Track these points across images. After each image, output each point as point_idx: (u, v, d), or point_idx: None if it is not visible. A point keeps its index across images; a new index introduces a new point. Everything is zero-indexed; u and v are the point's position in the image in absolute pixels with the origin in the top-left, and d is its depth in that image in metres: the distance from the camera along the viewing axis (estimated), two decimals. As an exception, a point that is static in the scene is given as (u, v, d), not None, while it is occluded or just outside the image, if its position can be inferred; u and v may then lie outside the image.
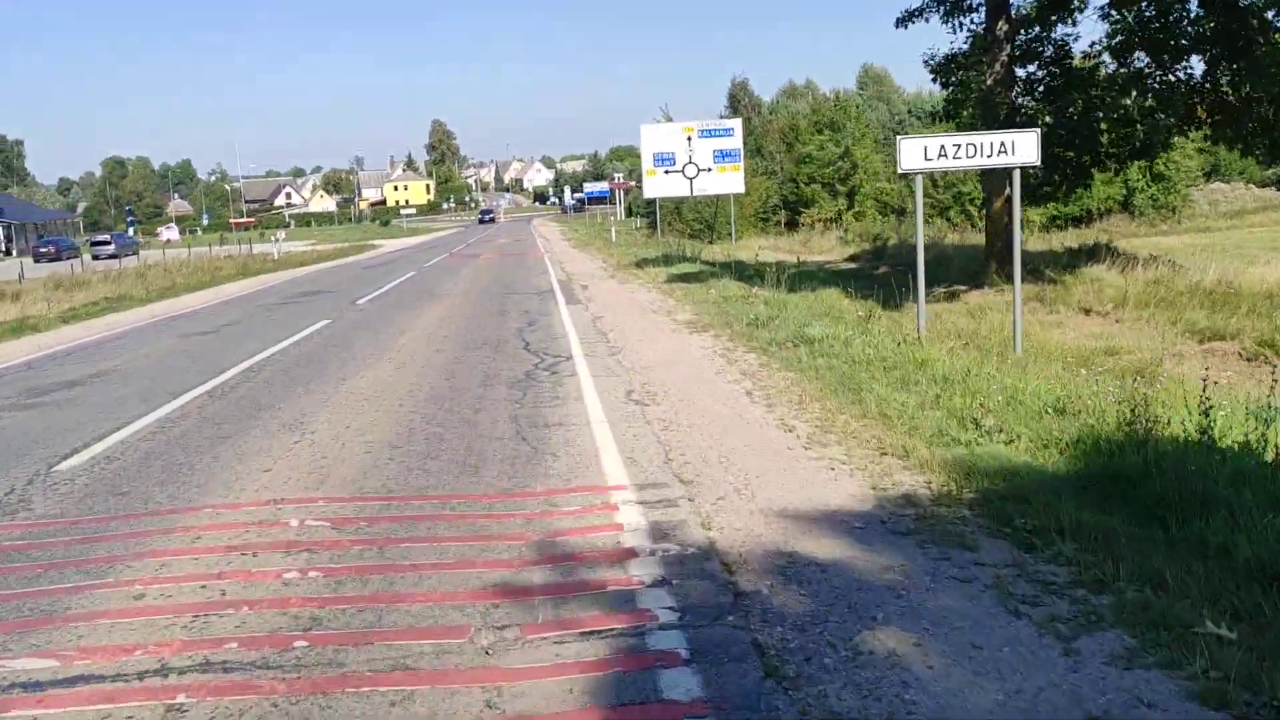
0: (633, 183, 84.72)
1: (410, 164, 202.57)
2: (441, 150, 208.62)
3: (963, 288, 22.32)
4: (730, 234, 46.91)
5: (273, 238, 61.89)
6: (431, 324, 18.89)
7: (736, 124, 41.32)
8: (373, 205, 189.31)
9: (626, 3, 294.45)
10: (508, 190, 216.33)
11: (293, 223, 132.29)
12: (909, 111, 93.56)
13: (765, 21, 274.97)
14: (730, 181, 40.48)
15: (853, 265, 33.81)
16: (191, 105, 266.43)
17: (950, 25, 23.59)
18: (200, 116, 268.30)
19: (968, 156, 12.28)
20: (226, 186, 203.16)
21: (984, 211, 27.33)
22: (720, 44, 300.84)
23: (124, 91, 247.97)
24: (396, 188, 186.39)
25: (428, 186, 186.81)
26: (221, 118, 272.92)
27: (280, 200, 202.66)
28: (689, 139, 40.22)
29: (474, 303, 22.85)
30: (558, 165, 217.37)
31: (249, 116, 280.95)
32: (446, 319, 19.60)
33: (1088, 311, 18.84)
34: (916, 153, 12.53)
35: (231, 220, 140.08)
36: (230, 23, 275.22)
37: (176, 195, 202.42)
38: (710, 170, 40.04)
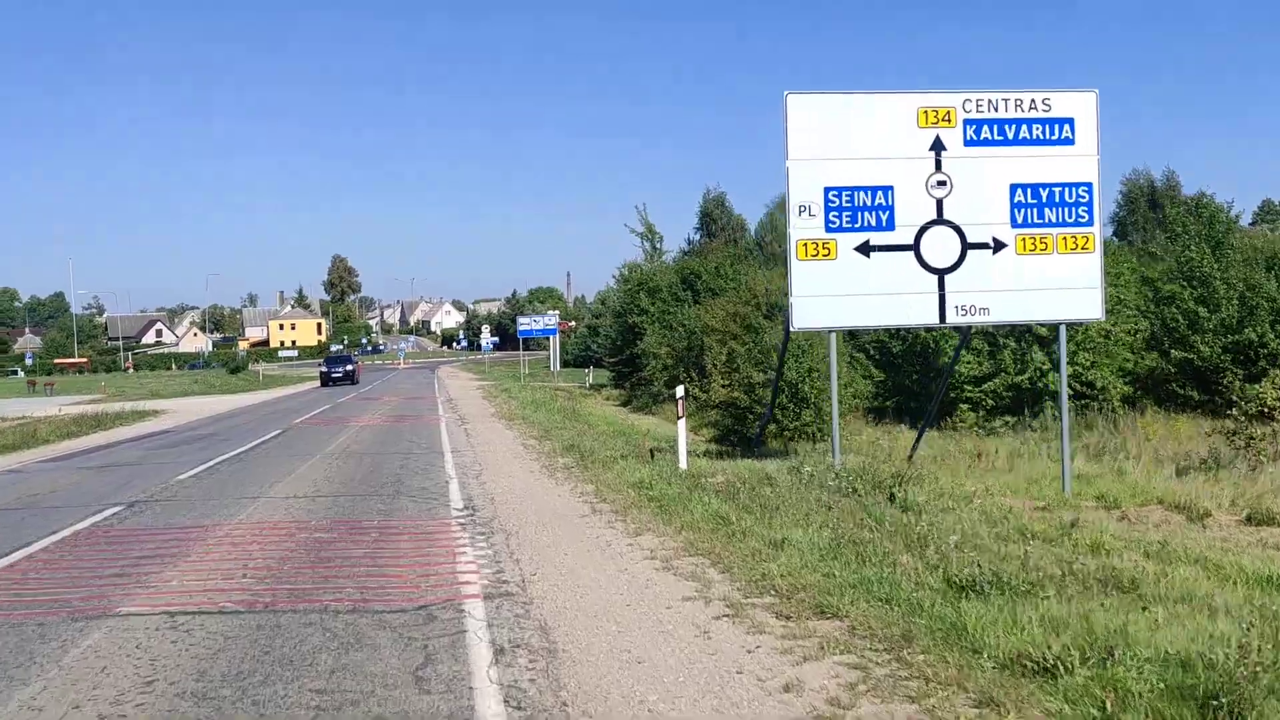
0: (571, 322, 56.00)
1: (301, 300, 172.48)
2: (342, 288, 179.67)
3: None
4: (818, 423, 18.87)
5: None
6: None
7: (1076, 101, 13.00)
8: (254, 346, 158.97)
9: (540, 144, 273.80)
10: (413, 333, 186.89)
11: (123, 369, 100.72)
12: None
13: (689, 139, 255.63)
14: (1072, 284, 12.35)
15: None
16: (72, 235, 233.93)
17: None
18: (82, 248, 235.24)
19: None
20: (100, 321, 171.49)
21: None
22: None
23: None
24: (283, 326, 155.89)
25: (319, 326, 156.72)
26: (108, 251, 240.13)
27: (150, 338, 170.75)
28: (937, 140, 12.27)
29: None
30: (470, 307, 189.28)
31: (138, 253, 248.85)
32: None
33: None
34: None
35: (57, 360, 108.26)
36: (123, 147, 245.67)
37: (28, 330, 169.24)
38: (1007, 246, 12.10)
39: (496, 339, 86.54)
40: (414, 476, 13.91)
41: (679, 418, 13.29)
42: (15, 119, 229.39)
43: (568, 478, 13.57)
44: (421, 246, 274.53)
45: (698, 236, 76.94)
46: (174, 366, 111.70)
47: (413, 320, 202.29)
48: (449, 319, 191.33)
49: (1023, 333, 29.63)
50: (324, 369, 54.89)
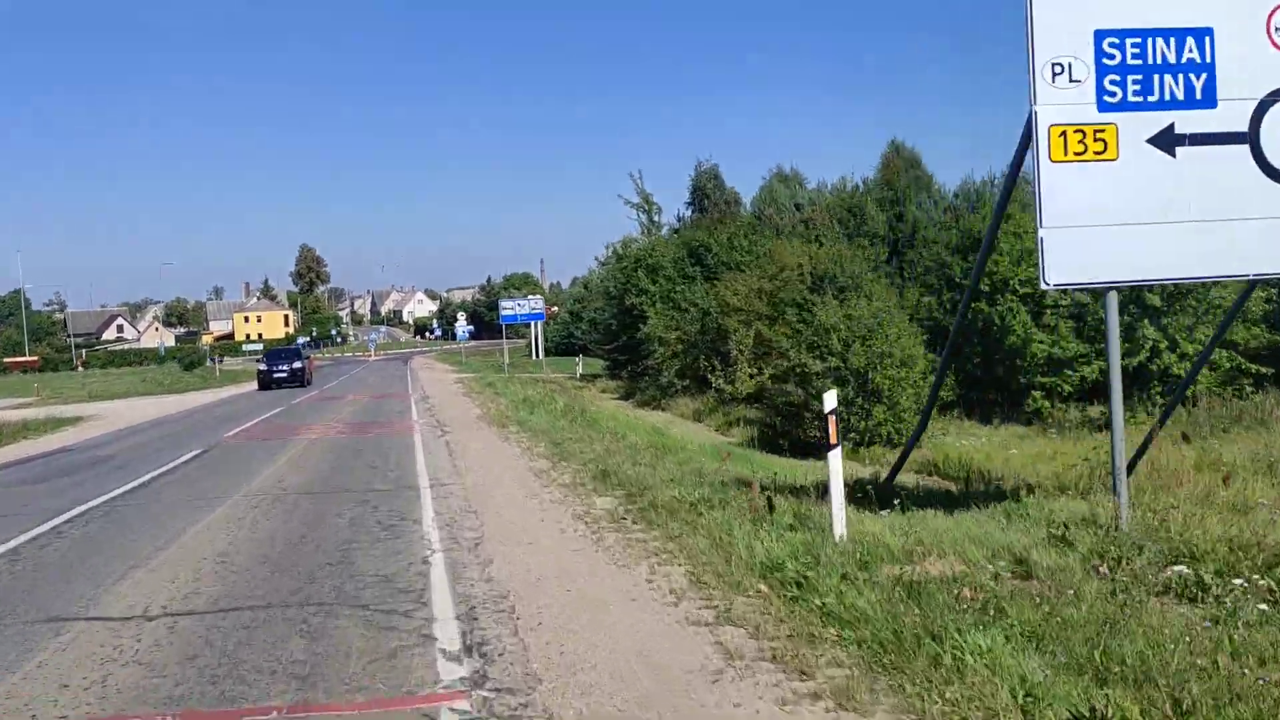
0: (554, 308, 50.14)
1: (267, 291, 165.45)
2: (310, 278, 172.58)
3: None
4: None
5: None
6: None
7: None
8: (218, 339, 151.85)
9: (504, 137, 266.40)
10: (384, 323, 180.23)
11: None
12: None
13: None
14: None
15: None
16: (21, 227, 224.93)
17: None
18: (34, 240, 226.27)
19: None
20: (61, 318, 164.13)
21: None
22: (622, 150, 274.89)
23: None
24: (248, 318, 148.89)
25: (286, 318, 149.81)
26: (63, 243, 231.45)
27: (110, 334, 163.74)
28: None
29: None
30: (443, 295, 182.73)
31: (98, 245, 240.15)
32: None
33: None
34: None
35: (6, 360, 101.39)
36: (78, 134, 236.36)
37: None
38: None
39: (472, 328, 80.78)
40: (370, 550, 8.28)
41: (828, 445, 7.45)
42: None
43: (627, 546, 8.00)
44: (391, 236, 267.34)
45: (689, 213, 71.43)
46: (134, 363, 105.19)
47: (384, 310, 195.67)
48: (421, 308, 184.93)
49: (1124, 303, 24.23)
50: (262, 368, 41.89)
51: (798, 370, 20.87)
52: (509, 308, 42.70)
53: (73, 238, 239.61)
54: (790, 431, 21.16)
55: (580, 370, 48.01)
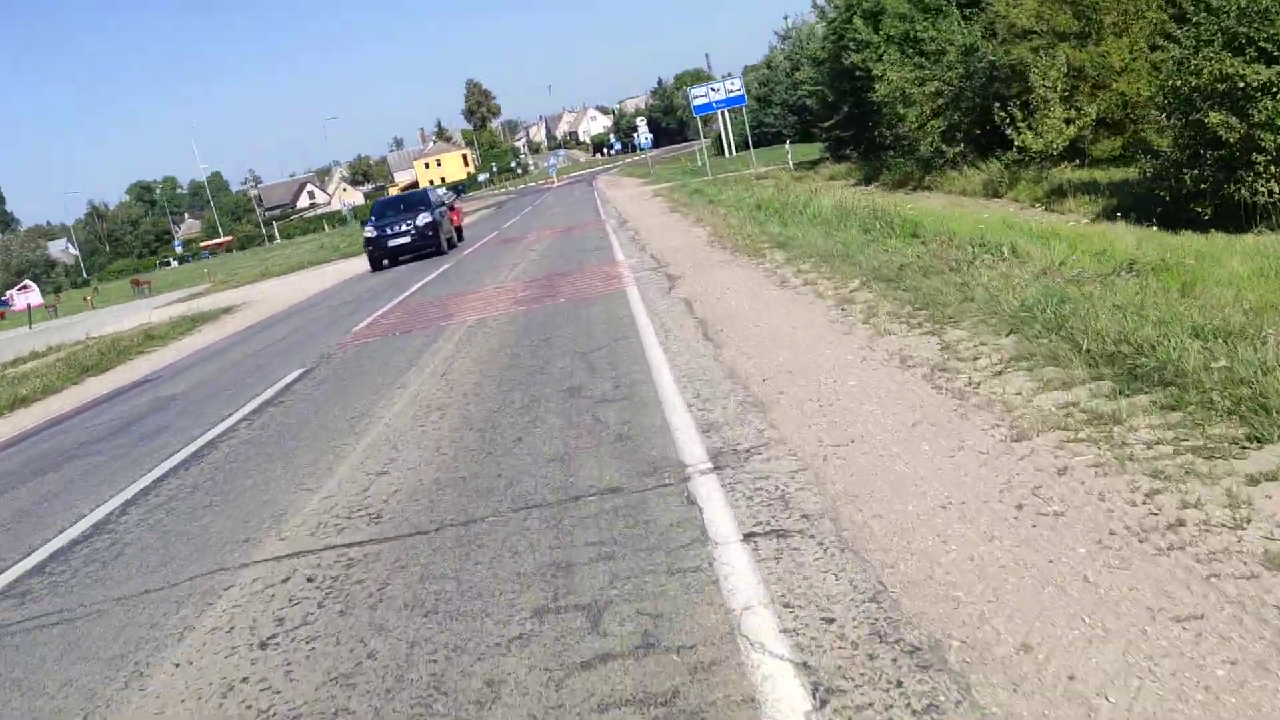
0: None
1: (442, 134, 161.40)
2: (481, 114, 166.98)
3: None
4: None
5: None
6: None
7: None
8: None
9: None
10: (561, 147, 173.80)
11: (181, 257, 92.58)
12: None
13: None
14: None
15: None
16: (215, 117, 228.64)
17: None
18: (227, 127, 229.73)
19: None
20: (254, 194, 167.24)
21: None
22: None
23: (144, 114, 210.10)
24: (428, 164, 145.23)
25: (464, 157, 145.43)
26: (251, 124, 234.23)
27: (303, 201, 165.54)
28: None
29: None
30: (615, 108, 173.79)
31: (277, 119, 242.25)
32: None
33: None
34: None
35: (204, 245, 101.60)
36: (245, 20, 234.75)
37: (187, 215, 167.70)
38: None
39: (652, 135, 73.14)
40: None
41: None
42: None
43: None
44: (553, 58, 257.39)
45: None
46: (322, 228, 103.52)
47: (559, 133, 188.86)
48: (596, 125, 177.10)
49: None
50: (370, 233, 25.19)
51: (1217, 89, 12.49)
52: (700, 95, 34.26)
53: (259, 119, 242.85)
54: (1210, 192, 13.00)
55: (791, 158, 39.80)
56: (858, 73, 31.30)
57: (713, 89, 34.47)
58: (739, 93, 34.25)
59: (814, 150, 43.32)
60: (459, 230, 30.06)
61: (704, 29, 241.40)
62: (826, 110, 36.17)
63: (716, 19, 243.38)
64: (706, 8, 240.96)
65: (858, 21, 31.21)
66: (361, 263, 27.54)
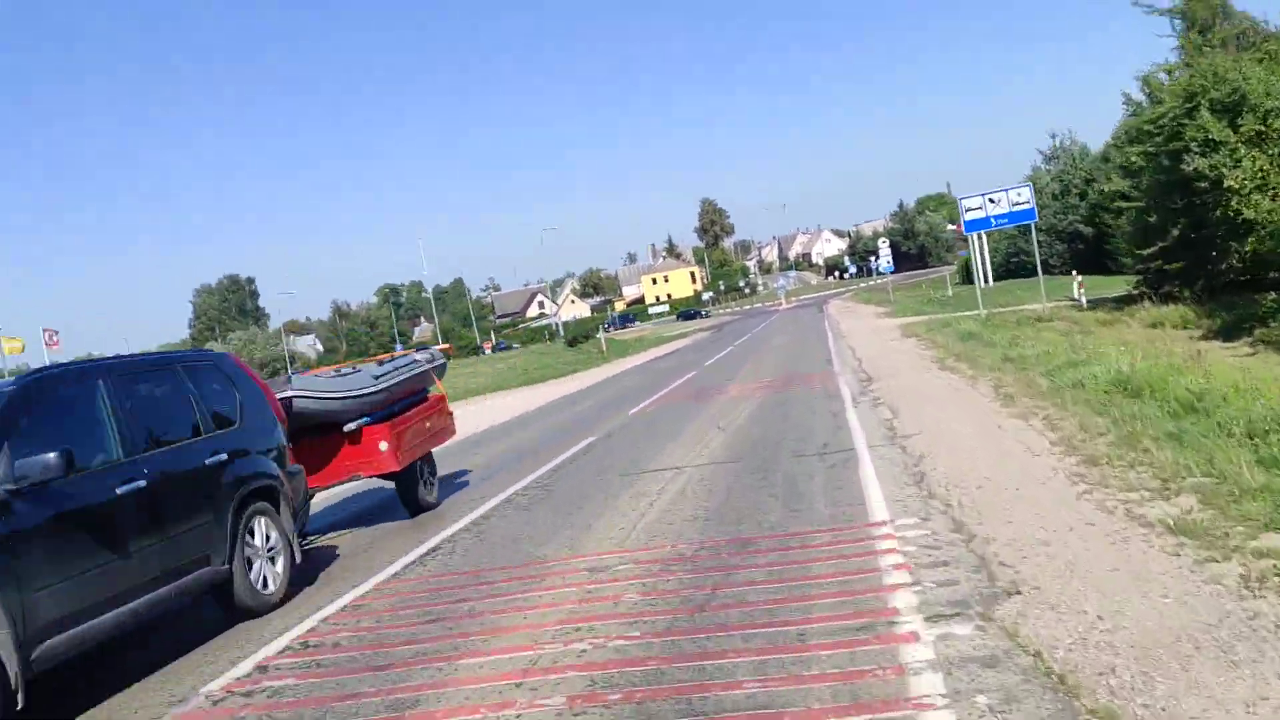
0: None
1: (672, 250, 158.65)
2: (714, 232, 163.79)
3: None
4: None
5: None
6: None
7: None
8: (630, 304, 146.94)
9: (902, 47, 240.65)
10: (793, 268, 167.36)
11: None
12: None
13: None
14: None
15: None
16: (462, 223, 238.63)
17: None
18: (471, 234, 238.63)
19: None
20: (489, 300, 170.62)
21: None
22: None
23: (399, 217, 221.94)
24: (655, 279, 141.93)
25: (692, 274, 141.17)
26: (493, 233, 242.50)
27: (533, 310, 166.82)
28: None
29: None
30: (850, 231, 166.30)
31: (521, 228, 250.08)
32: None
33: None
34: None
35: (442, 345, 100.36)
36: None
37: (422, 319, 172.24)
38: None
39: (891, 259, 65.53)
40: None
41: None
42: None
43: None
44: (790, 177, 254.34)
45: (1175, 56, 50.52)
46: (540, 340, 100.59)
47: (792, 255, 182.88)
48: (829, 247, 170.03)
49: None
50: None
51: None
52: (975, 209, 26.13)
53: (499, 227, 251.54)
54: None
55: (1081, 294, 30.86)
56: (1196, 185, 22.62)
57: (991, 200, 26.29)
58: (1027, 205, 25.94)
59: (1110, 284, 34.12)
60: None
61: (945, 154, 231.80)
62: (1140, 235, 27.33)
63: (958, 142, 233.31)
64: (947, 129, 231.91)
65: (1205, 115, 22.60)
66: (547, 390, 20.46)
